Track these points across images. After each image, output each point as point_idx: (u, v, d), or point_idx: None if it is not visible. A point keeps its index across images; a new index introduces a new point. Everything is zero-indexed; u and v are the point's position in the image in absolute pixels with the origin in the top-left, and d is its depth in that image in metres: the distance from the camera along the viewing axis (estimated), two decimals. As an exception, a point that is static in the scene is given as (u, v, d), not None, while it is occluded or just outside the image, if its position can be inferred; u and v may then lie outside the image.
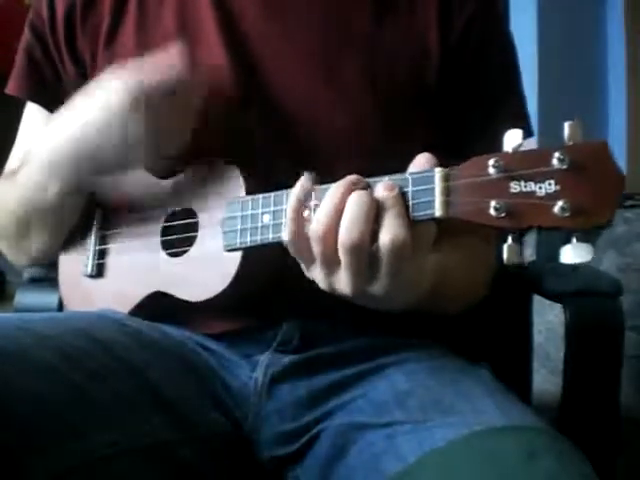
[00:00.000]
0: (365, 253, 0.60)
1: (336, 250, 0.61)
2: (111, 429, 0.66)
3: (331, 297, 0.77)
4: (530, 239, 2.03)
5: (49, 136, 0.79)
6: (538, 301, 1.10)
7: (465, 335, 0.91)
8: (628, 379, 1.66)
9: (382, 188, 0.60)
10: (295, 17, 0.83)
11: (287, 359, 0.78)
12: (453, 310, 0.83)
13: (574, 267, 1.44)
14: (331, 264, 0.62)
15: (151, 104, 0.72)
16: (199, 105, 0.76)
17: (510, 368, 0.99)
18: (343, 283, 0.63)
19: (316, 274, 0.65)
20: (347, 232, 0.60)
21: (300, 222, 0.63)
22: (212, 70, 0.81)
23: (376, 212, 0.60)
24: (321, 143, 0.79)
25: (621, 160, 2.10)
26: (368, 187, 0.62)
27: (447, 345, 0.84)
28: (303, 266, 0.66)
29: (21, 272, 1.07)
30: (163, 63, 0.74)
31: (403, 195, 0.60)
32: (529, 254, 1.97)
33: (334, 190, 0.62)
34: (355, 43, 0.82)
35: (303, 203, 0.64)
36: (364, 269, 0.61)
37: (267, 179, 0.72)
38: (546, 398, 1.13)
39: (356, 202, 0.60)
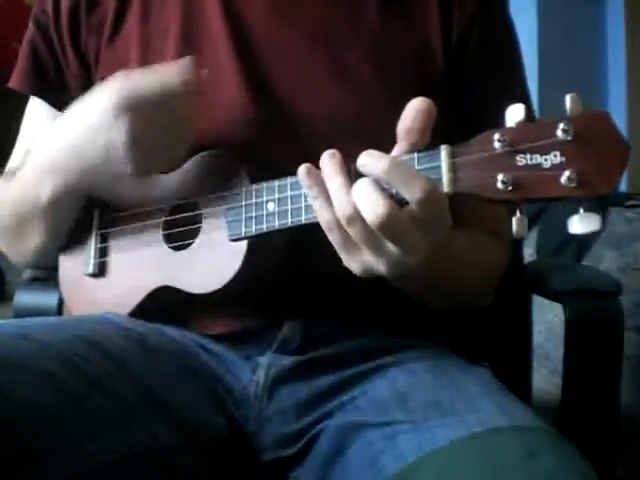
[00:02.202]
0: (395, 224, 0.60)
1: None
2: (112, 436, 0.65)
3: (332, 298, 0.78)
4: (530, 239, 2.03)
5: (45, 136, 0.79)
6: (538, 301, 1.10)
7: (465, 335, 0.91)
8: (628, 379, 1.66)
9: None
10: (302, 10, 0.83)
11: (288, 360, 0.78)
12: (465, 295, 0.84)
13: (574, 266, 1.44)
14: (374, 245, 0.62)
15: (140, 108, 0.72)
16: (198, 122, 0.75)
17: (510, 368, 0.99)
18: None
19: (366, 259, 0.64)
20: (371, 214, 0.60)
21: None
22: (217, 65, 0.81)
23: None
24: (327, 136, 0.78)
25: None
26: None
27: (447, 345, 0.83)
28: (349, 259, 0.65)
29: (21, 272, 1.07)
30: (164, 71, 0.73)
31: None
32: (529, 254, 1.97)
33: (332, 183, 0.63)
34: (362, 38, 0.82)
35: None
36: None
37: (270, 170, 0.72)
38: (546, 398, 1.13)
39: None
